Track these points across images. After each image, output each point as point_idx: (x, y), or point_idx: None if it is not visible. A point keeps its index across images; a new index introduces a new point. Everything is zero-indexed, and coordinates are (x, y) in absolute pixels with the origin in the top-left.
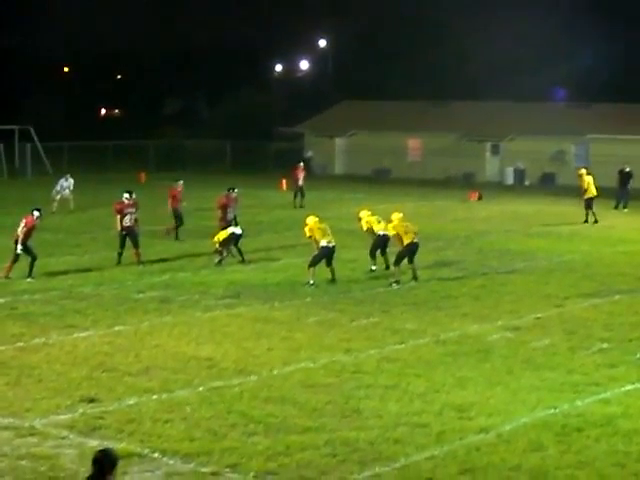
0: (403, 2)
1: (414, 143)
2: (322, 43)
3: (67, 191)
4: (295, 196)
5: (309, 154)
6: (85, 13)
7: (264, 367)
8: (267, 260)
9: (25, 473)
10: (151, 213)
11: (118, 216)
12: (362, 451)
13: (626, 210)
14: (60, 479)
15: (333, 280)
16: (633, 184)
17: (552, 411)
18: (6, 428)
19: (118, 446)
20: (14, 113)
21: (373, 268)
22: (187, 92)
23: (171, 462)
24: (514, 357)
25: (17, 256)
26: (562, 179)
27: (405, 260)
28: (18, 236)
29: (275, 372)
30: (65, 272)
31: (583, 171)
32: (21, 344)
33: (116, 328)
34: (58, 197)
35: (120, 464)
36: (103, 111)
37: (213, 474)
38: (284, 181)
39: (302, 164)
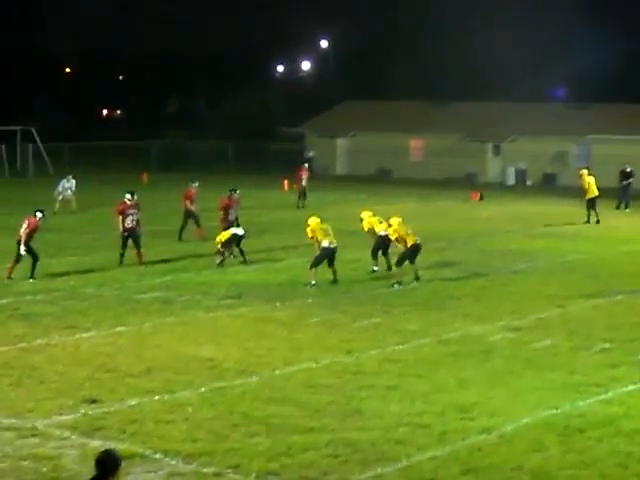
0: (405, 3)
1: (416, 143)
2: (324, 43)
3: (69, 192)
4: (299, 197)
5: (311, 154)
6: (87, 14)
7: (266, 368)
8: (269, 261)
9: (27, 474)
10: (153, 214)
11: (120, 217)
12: (364, 452)
13: (628, 210)
14: None
15: (335, 281)
16: (634, 184)
17: (554, 411)
18: (8, 429)
19: (120, 447)
20: (16, 114)
21: (375, 269)
22: (189, 92)
23: (173, 463)
24: (516, 357)
25: (19, 257)
26: (564, 179)
27: (407, 261)
28: (21, 237)
29: (277, 373)
30: (67, 273)
31: (584, 172)
32: (23, 345)
33: (118, 329)
34: (60, 198)
35: (122, 465)
36: (105, 112)
37: (215, 475)
38: (285, 182)
39: (306, 165)
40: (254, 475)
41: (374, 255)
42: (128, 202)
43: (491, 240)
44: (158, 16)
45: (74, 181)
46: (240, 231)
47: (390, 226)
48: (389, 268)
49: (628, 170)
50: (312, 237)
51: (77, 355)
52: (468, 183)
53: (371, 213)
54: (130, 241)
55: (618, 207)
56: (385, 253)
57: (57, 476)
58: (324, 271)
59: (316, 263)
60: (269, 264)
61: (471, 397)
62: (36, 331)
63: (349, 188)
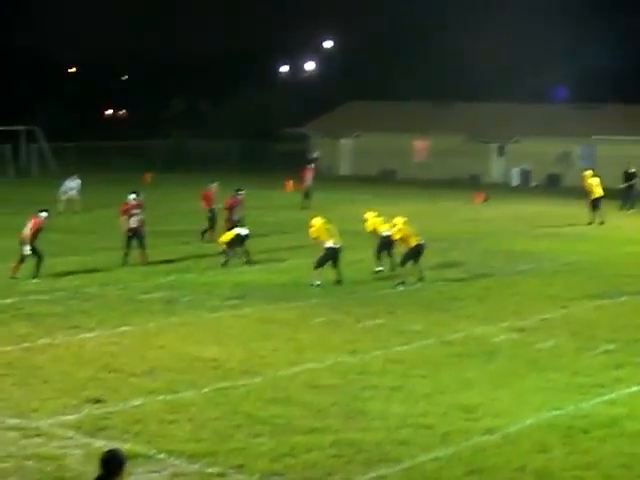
0: (409, 4)
1: (420, 144)
2: (328, 44)
3: (74, 192)
4: (303, 197)
5: (316, 155)
6: (91, 14)
7: (269, 368)
8: (273, 261)
9: (31, 473)
10: (156, 214)
11: (124, 217)
12: (367, 452)
13: (632, 211)
14: (66, 479)
15: (339, 281)
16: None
17: (557, 412)
18: (12, 428)
19: (124, 447)
20: (20, 114)
21: (378, 269)
22: (192, 93)
23: (177, 463)
24: (519, 358)
25: (24, 257)
26: (568, 180)
27: (411, 261)
28: (24, 237)
29: (280, 373)
30: (71, 273)
31: (587, 173)
32: (27, 344)
33: (122, 329)
34: (64, 197)
35: (127, 465)
36: (109, 112)
37: (219, 475)
38: (289, 182)
39: (312, 165)
40: (258, 475)
41: (378, 256)
42: (132, 202)
43: (495, 241)
44: (163, 17)
45: (79, 181)
46: (244, 231)
47: (394, 226)
48: (393, 269)
49: (632, 171)
50: (316, 237)
51: (81, 355)
52: (472, 184)
53: (376, 213)
54: (134, 241)
55: (622, 208)
56: (389, 254)
57: (61, 476)
58: (328, 272)
59: (320, 263)
60: (273, 264)
61: (475, 398)
62: (40, 331)
63: (353, 189)
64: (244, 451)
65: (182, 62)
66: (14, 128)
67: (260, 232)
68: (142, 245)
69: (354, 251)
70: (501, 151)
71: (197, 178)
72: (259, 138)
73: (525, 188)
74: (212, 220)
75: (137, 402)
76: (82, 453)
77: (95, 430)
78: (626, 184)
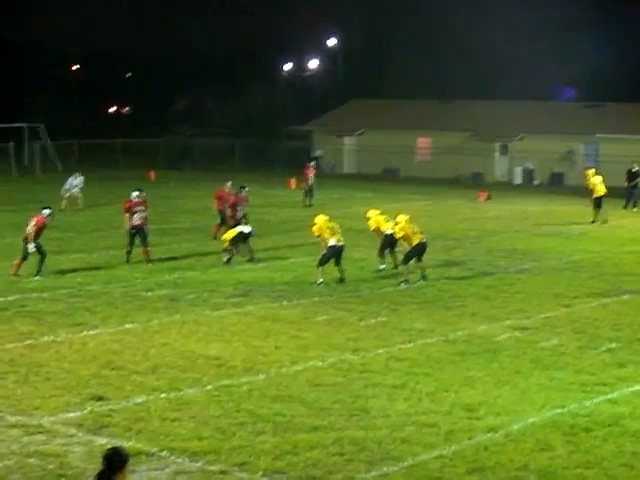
0: (412, 2)
1: (423, 142)
2: (331, 42)
3: (77, 189)
4: (305, 195)
5: (319, 152)
6: (95, 11)
7: (272, 366)
8: (276, 259)
9: (33, 471)
10: (160, 211)
11: (127, 214)
12: (370, 450)
13: (635, 210)
14: (68, 477)
15: (342, 279)
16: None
17: (560, 411)
18: (14, 426)
19: (126, 444)
20: (24, 111)
21: (381, 267)
22: (196, 90)
23: (179, 460)
24: (522, 357)
25: (27, 254)
26: (571, 179)
27: (414, 259)
28: (28, 235)
29: (283, 371)
30: (74, 270)
31: (589, 172)
32: (30, 342)
33: (125, 326)
34: (67, 195)
35: (129, 462)
36: (112, 109)
37: (221, 473)
38: (293, 180)
39: (313, 163)
40: (260, 473)
41: (381, 254)
42: (136, 199)
43: (498, 239)
44: (167, 14)
45: (82, 178)
46: (247, 229)
47: (397, 224)
48: (396, 267)
49: (635, 170)
50: (319, 235)
51: (83, 352)
52: (475, 182)
53: (378, 212)
54: (137, 238)
55: (625, 207)
56: (392, 252)
57: (63, 473)
58: (331, 270)
59: (323, 261)
60: (276, 262)
61: (477, 396)
62: (42, 328)
63: (356, 186)
64: (246, 449)
65: (186, 60)
66: (17, 125)
67: (263, 230)
68: (145, 242)
69: (357, 249)
70: (504, 149)
71: (201, 176)
72: (262, 136)
73: (528, 186)
74: (222, 218)
75: (140, 400)
76: (84, 450)
77: (97, 427)
78: (629, 183)
